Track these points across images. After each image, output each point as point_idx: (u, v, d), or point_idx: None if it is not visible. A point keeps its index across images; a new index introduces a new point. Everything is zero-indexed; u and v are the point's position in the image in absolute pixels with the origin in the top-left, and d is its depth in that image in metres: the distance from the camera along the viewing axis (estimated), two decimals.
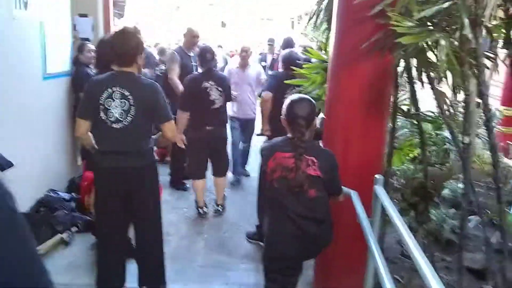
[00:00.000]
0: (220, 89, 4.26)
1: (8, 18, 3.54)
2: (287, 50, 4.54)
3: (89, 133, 2.77)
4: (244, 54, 5.39)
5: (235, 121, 5.40)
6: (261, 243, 3.78)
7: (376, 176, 2.30)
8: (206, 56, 4.28)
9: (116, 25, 7.20)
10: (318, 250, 2.43)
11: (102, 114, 2.66)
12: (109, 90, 2.65)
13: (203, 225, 4.29)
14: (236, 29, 16.45)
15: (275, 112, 3.81)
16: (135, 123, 2.67)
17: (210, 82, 4.22)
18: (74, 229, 3.83)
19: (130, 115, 2.66)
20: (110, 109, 2.65)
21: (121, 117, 2.65)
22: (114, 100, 2.65)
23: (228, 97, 4.40)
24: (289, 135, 2.32)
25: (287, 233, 2.27)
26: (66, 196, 4.10)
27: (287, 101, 2.35)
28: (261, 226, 3.81)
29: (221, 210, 4.53)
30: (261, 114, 4.44)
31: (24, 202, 3.73)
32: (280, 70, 4.55)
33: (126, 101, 2.65)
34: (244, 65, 5.39)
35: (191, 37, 5.22)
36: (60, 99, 4.39)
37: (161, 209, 3.03)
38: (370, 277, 2.26)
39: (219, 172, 4.51)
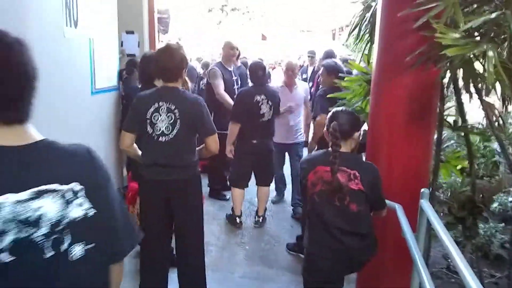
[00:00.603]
0: (270, 103, 4.35)
1: (59, 36, 3.72)
2: (330, 60, 4.53)
3: (135, 145, 2.88)
4: (291, 73, 4.93)
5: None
6: (301, 255, 3.79)
7: (422, 190, 2.25)
8: (258, 72, 4.41)
9: (161, 41, 7.44)
10: (359, 265, 2.40)
11: (148, 128, 2.76)
12: (156, 105, 2.75)
13: (244, 236, 4.31)
14: (276, 42, 16.58)
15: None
16: (180, 136, 2.74)
17: (262, 96, 4.32)
18: None
19: (176, 129, 2.75)
20: (156, 123, 2.74)
21: (167, 131, 2.74)
22: (160, 115, 2.75)
23: (276, 110, 4.47)
24: (330, 148, 2.31)
25: (327, 246, 2.26)
26: None
27: (330, 114, 2.36)
28: (302, 238, 3.81)
29: (261, 221, 4.54)
30: (313, 136, 4.30)
31: None
32: (321, 85, 4.51)
33: (172, 115, 2.74)
34: (291, 84, 4.98)
35: (229, 50, 5.27)
36: (107, 113, 4.55)
37: (203, 219, 3.08)
38: None
39: (263, 181, 4.57)
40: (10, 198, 0.99)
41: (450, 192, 4.32)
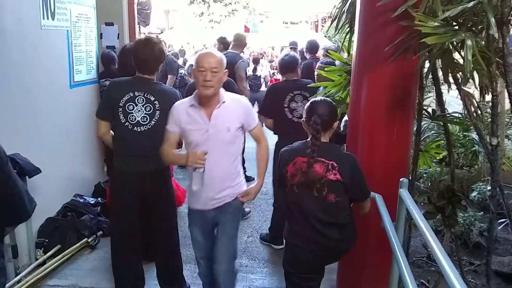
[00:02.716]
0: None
1: (36, 28, 3.64)
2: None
3: (112, 132, 2.86)
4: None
5: None
6: (274, 246, 3.86)
7: (401, 179, 2.26)
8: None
9: (142, 33, 7.32)
10: (339, 255, 2.41)
11: (122, 117, 2.73)
12: (131, 94, 2.73)
13: None
14: (260, 34, 16.51)
15: None
16: (158, 127, 2.72)
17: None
18: (99, 233, 3.89)
19: (154, 119, 2.73)
20: (132, 113, 2.72)
21: (143, 121, 2.72)
22: (136, 105, 2.72)
23: None
24: (308, 139, 2.30)
25: (307, 238, 2.26)
26: (92, 200, 4.17)
27: (308, 104, 2.35)
28: (274, 229, 3.86)
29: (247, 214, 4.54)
30: None
31: (51, 207, 3.81)
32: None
33: (151, 106, 2.73)
34: None
35: (245, 41, 5.83)
36: (87, 106, 4.48)
37: (177, 212, 3.11)
38: (395, 281, 2.23)
39: None
40: None
41: (430, 181, 4.36)
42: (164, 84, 3.01)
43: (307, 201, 2.23)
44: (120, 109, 2.72)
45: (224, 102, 2.44)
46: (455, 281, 1.37)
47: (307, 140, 2.31)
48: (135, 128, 2.72)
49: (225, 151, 2.46)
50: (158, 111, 2.73)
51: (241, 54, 5.93)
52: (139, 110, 2.72)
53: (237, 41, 5.67)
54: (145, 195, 2.86)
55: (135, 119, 2.72)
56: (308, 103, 2.35)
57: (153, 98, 2.74)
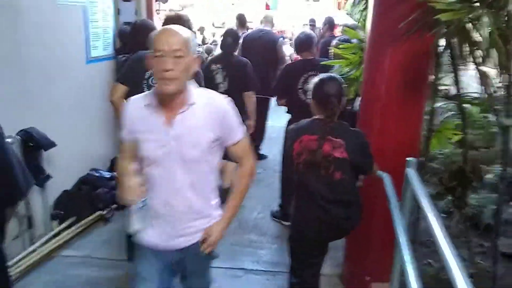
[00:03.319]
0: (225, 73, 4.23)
1: (52, 4, 3.66)
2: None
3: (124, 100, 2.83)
4: None
5: None
6: (283, 222, 3.86)
7: (408, 158, 2.23)
8: (227, 39, 4.29)
9: (162, 10, 7.30)
10: (344, 232, 2.41)
11: (145, 90, 2.71)
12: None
13: None
14: (281, 10, 16.25)
15: None
16: None
17: (218, 65, 4.23)
18: (114, 206, 3.98)
19: None
20: (154, 86, 2.72)
21: None
22: None
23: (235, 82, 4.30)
24: (316, 116, 2.28)
25: (313, 216, 2.26)
26: (107, 174, 4.25)
27: (316, 81, 2.32)
28: (284, 206, 3.86)
29: None
30: None
31: (67, 180, 3.90)
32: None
33: None
34: None
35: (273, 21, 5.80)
36: (103, 82, 4.52)
37: None
38: (398, 260, 2.22)
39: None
40: None
41: (442, 162, 4.29)
42: None
43: (313, 179, 2.23)
44: (144, 81, 2.73)
45: (193, 104, 1.75)
46: (455, 265, 1.35)
47: (315, 118, 2.29)
48: None
49: (191, 175, 1.78)
50: None
51: None
52: None
53: (268, 18, 5.67)
54: None
55: None
56: (317, 80, 2.32)
57: None
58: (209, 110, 1.77)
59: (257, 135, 5.58)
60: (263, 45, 5.34)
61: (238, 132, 1.87)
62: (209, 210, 1.87)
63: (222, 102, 1.83)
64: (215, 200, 1.92)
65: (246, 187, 1.95)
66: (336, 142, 2.18)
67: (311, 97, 2.32)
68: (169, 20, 2.84)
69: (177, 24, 2.71)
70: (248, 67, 4.18)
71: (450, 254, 1.40)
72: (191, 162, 1.75)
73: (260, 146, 5.70)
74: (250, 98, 4.08)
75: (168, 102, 1.73)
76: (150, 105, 1.76)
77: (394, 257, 2.24)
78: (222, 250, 3.42)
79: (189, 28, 2.83)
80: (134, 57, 2.84)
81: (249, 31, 5.83)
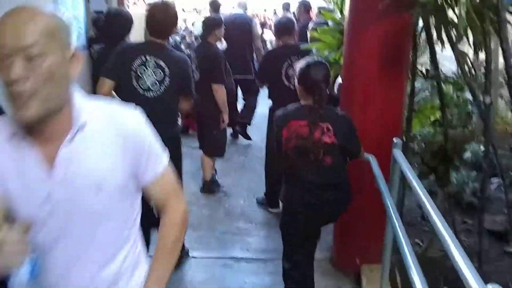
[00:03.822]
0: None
1: None
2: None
3: (113, 93, 2.77)
4: None
5: None
6: (270, 209, 3.89)
7: (394, 139, 2.26)
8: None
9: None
10: (336, 215, 2.43)
11: (133, 81, 2.68)
12: (142, 57, 2.68)
13: (223, 194, 4.33)
14: None
15: None
16: (168, 93, 2.71)
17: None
18: None
19: (164, 86, 2.70)
20: (142, 77, 2.67)
21: (152, 87, 2.69)
22: (147, 69, 2.68)
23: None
24: (302, 102, 2.28)
25: (303, 201, 2.27)
26: None
27: (302, 66, 2.29)
28: (269, 193, 3.88)
29: None
30: None
31: None
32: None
33: (161, 71, 2.69)
34: None
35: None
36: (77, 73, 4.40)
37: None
38: (389, 241, 2.26)
39: None
40: None
41: (424, 143, 4.37)
42: (175, 50, 2.96)
43: (303, 164, 2.23)
44: (133, 73, 2.68)
45: (84, 125, 1.11)
46: (449, 240, 1.38)
47: (302, 103, 2.28)
48: (146, 93, 2.69)
49: (95, 236, 1.18)
50: (168, 78, 2.69)
51: None
52: (149, 75, 2.68)
53: (241, 4, 5.90)
54: None
55: (145, 83, 2.68)
56: (303, 66, 2.30)
57: (164, 64, 2.69)
58: (112, 132, 1.15)
59: (247, 113, 5.72)
60: (239, 27, 5.56)
61: (160, 162, 1.29)
62: (126, 273, 1.26)
63: (130, 118, 1.23)
64: (141, 256, 1.35)
65: (178, 241, 1.32)
66: (324, 127, 2.18)
67: (297, 82, 2.31)
68: (154, 6, 2.78)
69: (163, 13, 2.71)
70: (216, 59, 4.07)
71: (444, 231, 1.44)
72: (92, 218, 1.15)
73: (249, 123, 5.90)
74: (217, 91, 3.99)
75: (42, 129, 1.07)
76: (16, 136, 1.09)
77: (385, 238, 2.28)
78: (212, 239, 3.46)
79: (175, 20, 2.79)
80: (119, 49, 2.77)
81: (223, 16, 5.91)
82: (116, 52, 2.75)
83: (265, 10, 17.26)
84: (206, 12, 7.19)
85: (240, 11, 5.96)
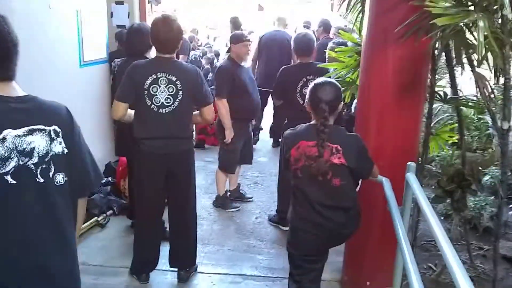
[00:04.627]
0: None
1: (45, 8, 3.63)
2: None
3: (129, 111, 2.82)
4: None
5: None
6: (281, 227, 3.86)
7: (408, 163, 2.23)
8: None
9: (155, 12, 7.29)
10: (343, 238, 2.40)
11: (147, 100, 2.71)
12: (154, 76, 2.71)
13: (235, 210, 4.31)
14: (273, 13, 16.25)
15: None
16: (182, 107, 2.75)
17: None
18: (109, 212, 3.94)
19: (178, 100, 2.73)
20: (156, 95, 2.70)
21: (167, 102, 2.72)
22: (160, 86, 2.71)
23: None
24: (313, 122, 2.27)
25: (311, 222, 2.24)
26: (102, 180, 4.21)
27: (311, 85, 2.31)
28: (281, 210, 3.84)
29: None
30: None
31: None
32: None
33: (173, 86, 2.73)
34: None
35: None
36: (97, 86, 4.49)
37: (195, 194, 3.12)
38: (399, 265, 2.21)
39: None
40: (11, 132, 1.36)
41: (441, 165, 4.31)
42: (184, 62, 3.03)
43: (311, 185, 2.21)
44: (146, 92, 2.70)
45: None
46: (457, 268, 1.35)
47: (311, 123, 2.27)
48: (160, 110, 2.72)
49: None
50: (181, 91, 2.73)
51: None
52: (162, 92, 2.71)
53: (281, 20, 6.35)
54: (169, 175, 2.88)
55: (159, 101, 2.71)
56: (312, 85, 2.30)
57: (175, 79, 2.72)
58: None
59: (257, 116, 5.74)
60: (279, 44, 5.93)
61: None
62: None
63: None
64: None
65: None
66: (333, 148, 2.16)
67: (306, 102, 2.31)
68: (157, 22, 2.79)
69: (167, 28, 2.71)
70: (218, 73, 4.09)
71: (453, 259, 1.40)
72: None
73: (259, 125, 6.17)
74: (217, 106, 3.87)
75: None
76: None
77: (395, 262, 2.24)
78: (221, 255, 3.45)
79: (180, 27, 2.80)
80: (129, 70, 2.78)
81: (265, 32, 6.37)
82: (126, 74, 2.78)
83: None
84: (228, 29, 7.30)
85: (280, 27, 6.29)
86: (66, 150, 1.48)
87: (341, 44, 4.02)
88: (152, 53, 3.61)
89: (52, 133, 1.45)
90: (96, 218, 3.79)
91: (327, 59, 4.21)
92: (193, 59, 7.40)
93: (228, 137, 3.97)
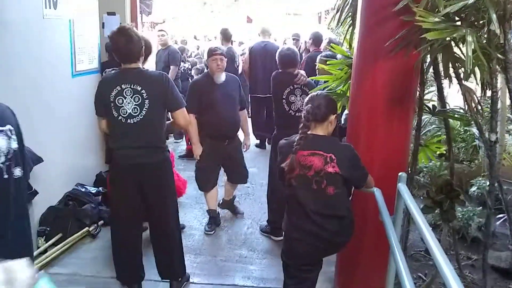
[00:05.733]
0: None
1: (38, 17, 3.64)
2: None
3: None
4: None
5: None
6: (273, 237, 3.88)
7: (400, 173, 2.28)
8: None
9: (145, 22, 7.32)
10: (337, 247, 2.43)
11: (114, 112, 2.73)
12: (118, 88, 2.72)
13: (227, 220, 4.33)
14: (262, 25, 16.42)
15: None
16: (150, 116, 2.74)
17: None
18: (100, 222, 3.93)
19: (145, 109, 2.73)
20: (122, 106, 2.71)
21: (134, 112, 2.72)
22: (125, 97, 2.72)
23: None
24: (309, 132, 2.32)
25: (305, 230, 2.28)
26: (93, 190, 4.21)
27: (307, 98, 2.37)
28: (272, 221, 3.88)
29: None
30: None
31: (53, 196, 3.84)
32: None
33: (139, 96, 2.72)
34: None
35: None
36: (89, 96, 4.46)
37: (177, 203, 3.10)
38: (392, 275, 2.25)
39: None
40: None
41: (429, 176, 4.38)
42: (149, 70, 2.97)
43: (306, 194, 2.25)
44: (112, 104, 2.72)
45: None
46: (450, 276, 1.39)
47: (307, 133, 2.32)
48: (128, 121, 2.73)
49: None
50: (147, 100, 2.72)
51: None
52: (128, 103, 2.71)
53: (265, 31, 6.78)
54: (143, 186, 2.84)
55: (126, 112, 2.71)
56: (307, 98, 2.37)
57: (140, 88, 2.72)
58: None
59: (267, 128, 6.13)
60: (269, 54, 6.19)
61: None
62: None
63: None
64: None
65: None
66: (327, 157, 2.21)
67: (302, 114, 2.37)
68: (113, 36, 2.76)
69: (124, 38, 2.68)
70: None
71: (445, 266, 1.44)
72: None
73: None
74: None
75: None
76: None
77: (388, 271, 2.27)
78: (213, 266, 3.46)
79: (138, 34, 2.78)
80: (98, 85, 2.83)
81: (253, 43, 6.84)
82: (96, 91, 2.82)
83: (275, 40, 17.54)
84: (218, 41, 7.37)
85: (266, 38, 6.72)
86: (17, 146, 1.84)
87: (330, 57, 4.09)
88: (151, 61, 3.62)
89: (8, 132, 1.78)
90: (87, 228, 3.78)
91: (317, 71, 4.28)
92: (182, 71, 7.44)
93: (195, 153, 3.93)
